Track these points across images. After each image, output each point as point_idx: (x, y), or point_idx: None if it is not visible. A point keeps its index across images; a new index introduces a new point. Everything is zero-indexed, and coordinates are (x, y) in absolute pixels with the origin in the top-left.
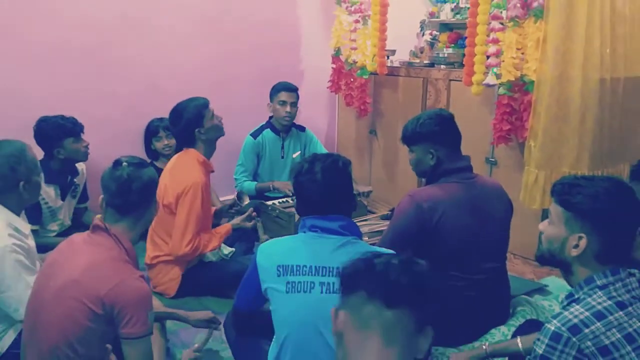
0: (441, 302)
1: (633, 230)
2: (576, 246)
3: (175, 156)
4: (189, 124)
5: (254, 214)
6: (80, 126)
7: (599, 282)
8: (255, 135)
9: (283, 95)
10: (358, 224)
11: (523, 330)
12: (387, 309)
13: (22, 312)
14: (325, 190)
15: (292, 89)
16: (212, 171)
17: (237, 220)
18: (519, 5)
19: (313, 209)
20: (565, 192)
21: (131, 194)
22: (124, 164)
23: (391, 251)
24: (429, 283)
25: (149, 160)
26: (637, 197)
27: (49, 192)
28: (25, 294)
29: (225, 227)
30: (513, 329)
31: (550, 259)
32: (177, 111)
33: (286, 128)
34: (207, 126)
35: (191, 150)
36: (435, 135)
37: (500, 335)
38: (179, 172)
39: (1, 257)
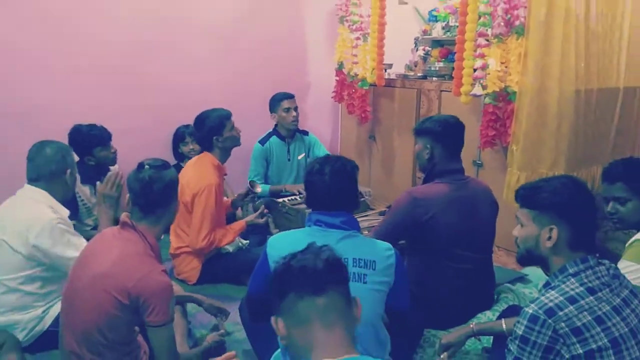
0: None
1: (593, 215)
2: (549, 238)
3: (194, 159)
4: (210, 131)
5: (266, 210)
6: (108, 134)
7: (571, 270)
8: (262, 142)
9: (286, 103)
10: (359, 219)
11: (506, 314)
12: (317, 297)
13: None
14: (332, 190)
15: (291, 96)
16: (225, 174)
17: (251, 217)
18: (502, 23)
19: (320, 204)
20: (528, 195)
21: (153, 194)
22: (146, 166)
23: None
24: (338, 259)
25: (175, 162)
26: (602, 194)
27: (84, 191)
28: (76, 254)
29: (240, 223)
30: (497, 313)
31: (529, 257)
32: (202, 118)
33: (291, 133)
34: (225, 135)
35: (208, 155)
36: (435, 135)
37: (485, 319)
38: (196, 174)
39: (51, 227)
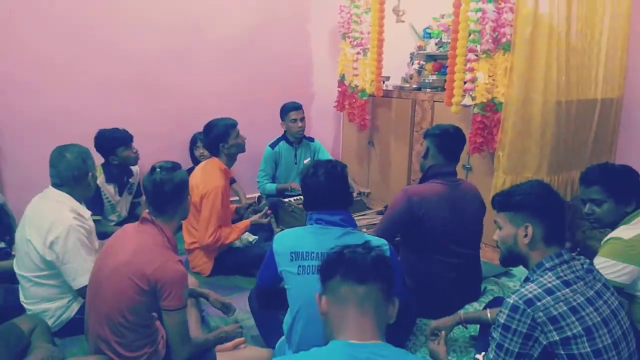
0: (400, 276)
1: (561, 212)
2: (526, 235)
3: (202, 163)
4: (217, 139)
5: (269, 211)
6: (130, 136)
7: (547, 265)
8: (273, 146)
9: (292, 115)
10: (358, 218)
11: (491, 305)
12: (358, 285)
13: (78, 282)
14: (327, 190)
15: (298, 107)
16: (233, 178)
17: (255, 217)
18: (490, 40)
19: (318, 204)
20: (503, 200)
21: (164, 194)
22: (158, 169)
23: (379, 238)
24: (385, 261)
25: (192, 165)
26: (579, 196)
27: (109, 190)
28: (82, 266)
29: (244, 222)
30: (483, 304)
31: (510, 257)
32: (209, 126)
33: (298, 139)
34: (230, 143)
35: (215, 160)
36: (433, 137)
37: (472, 309)
38: (204, 177)
39: (67, 234)
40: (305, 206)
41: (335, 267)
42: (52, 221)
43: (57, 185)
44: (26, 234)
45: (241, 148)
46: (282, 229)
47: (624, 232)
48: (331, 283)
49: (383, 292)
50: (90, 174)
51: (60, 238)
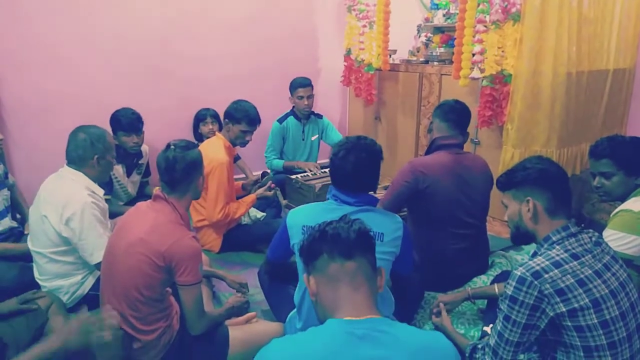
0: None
1: (563, 183)
2: (529, 209)
3: (207, 140)
4: (230, 115)
5: (273, 185)
6: (135, 125)
7: (554, 238)
8: (281, 121)
9: (300, 92)
10: None
11: (499, 279)
12: (346, 260)
13: (96, 257)
14: (352, 178)
15: (307, 84)
16: (236, 154)
17: (260, 190)
18: (500, 10)
19: (340, 184)
20: (504, 180)
21: (175, 172)
22: (172, 147)
23: (394, 215)
24: (368, 232)
25: (195, 142)
26: (590, 170)
27: (118, 170)
28: (97, 241)
29: (251, 197)
30: (491, 277)
31: (518, 234)
32: (237, 102)
33: (306, 116)
34: (239, 129)
35: (220, 136)
36: (436, 110)
37: (480, 282)
38: (209, 154)
39: (82, 210)
40: (331, 178)
41: (320, 245)
42: (68, 198)
43: (68, 162)
44: (41, 211)
45: (240, 142)
46: (289, 203)
47: (634, 204)
48: (318, 262)
49: (370, 264)
50: (95, 156)
51: (77, 214)
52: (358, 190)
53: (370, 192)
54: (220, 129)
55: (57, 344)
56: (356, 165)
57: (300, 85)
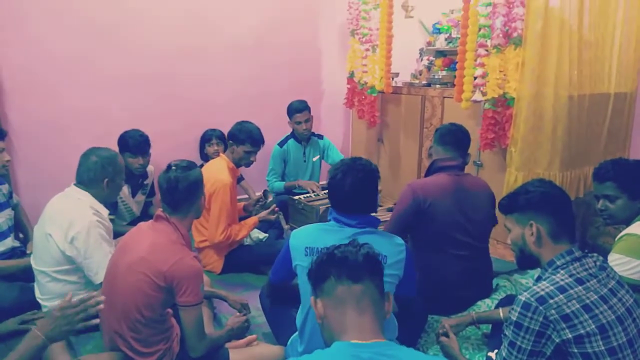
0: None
1: (566, 207)
2: (532, 234)
3: (210, 161)
4: (233, 136)
5: (277, 209)
6: (142, 147)
7: (558, 263)
8: (281, 144)
9: (297, 117)
10: None
11: (504, 303)
12: (354, 284)
13: (100, 276)
14: (350, 200)
15: (303, 109)
16: (239, 175)
17: (263, 214)
18: (501, 35)
19: (339, 207)
20: (508, 203)
21: (178, 192)
22: (173, 167)
23: (397, 237)
24: (376, 257)
25: (201, 162)
26: (594, 193)
27: (123, 190)
28: (103, 260)
29: (253, 219)
30: (496, 301)
31: (523, 258)
32: (241, 123)
33: (306, 137)
34: (239, 149)
35: (223, 157)
36: (437, 137)
37: (485, 306)
38: (212, 175)
39: (88, 230)
40: (330, 199)
41: (328, 268)
42: (73, 217)
43: (78, 182)
44: (46, 229)
45: (245, 162)
46: (292, 227)
47: (638, 227)
48: (326, 285)
49: (378, 288)
50: (105, 180)
51: (82, 234)
52: (358, 211)
53: (372, 214)
54: (225, 150)
55: (39, 340)
56: (353, 186)
57: (297, 110)
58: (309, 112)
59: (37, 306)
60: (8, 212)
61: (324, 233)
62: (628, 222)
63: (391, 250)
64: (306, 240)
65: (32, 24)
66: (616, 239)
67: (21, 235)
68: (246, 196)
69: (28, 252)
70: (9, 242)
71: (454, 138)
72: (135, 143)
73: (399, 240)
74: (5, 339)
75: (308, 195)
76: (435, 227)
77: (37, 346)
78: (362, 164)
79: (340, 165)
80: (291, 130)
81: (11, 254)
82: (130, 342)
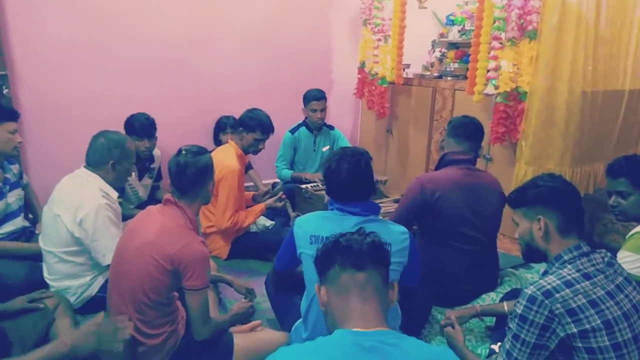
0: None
1: (575, 202)
2: (540, 228)
3: (219, 148)
4: (243, 123)
5: (283, 196)
6: (148, 130)
7: (566, 257)
8: (293, 131)
9: (314, 105)
10: None
11: (509, 296)
12: (358, 272)
13: (108, 258)
14: (349, 187)
15: (321, 97)
16: (248, 163)
17: (269, 201)
18: (516, 28)
19: (338, 196)
20: (516, 197)
21: (186, 177)
22: (183, 152)
23: (400, 225)
24: (382, 245)
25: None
26: (605, 188)
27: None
28: (111, 243)
29: (260, 206)
30: (500, 295)
31: (529, 252)
32: (251, 110)
33: (318, 127)
34: (248, 136)
35: (232, 144)
36: (449, 129)
37: (489, 300)
38: (221, 161)
39: (96, 212)
40: (328, 193)
41: (333, 256)
42: (82, 199)
43: (87, 164)
44: (55, 210)
45: (253, 150)
46: (298, 215)
47: None
48: (330, 273)
49: (382, 277)
50: (111, 162)
51: (90, 216)
52: (357, 197)
53: (372, 199)
54: None
55: (65, 348)
56: (350, 171)
57: (315, 98)
58: (326, 101)
59: (45, 285)
60: (18, 192)
61: (329, 221)
62: (639, 220)
63: (396, 238)
64: (311, 228)
65: (45, 9)
66: (627, 237)
67: (30, 216)
68: (252, 184)
69: (37, 232)
70: (19, 222)
71: (468, 131)
72: (141, 126)
73: (403, 228)
74: (14, 315)
75: (315, 184)
76: (442, 220)
77: (61, 354)
78: (352, 150)
79: (332, 156)
80: (304, 118)
81: (21, 233)
82: (136, 324)
